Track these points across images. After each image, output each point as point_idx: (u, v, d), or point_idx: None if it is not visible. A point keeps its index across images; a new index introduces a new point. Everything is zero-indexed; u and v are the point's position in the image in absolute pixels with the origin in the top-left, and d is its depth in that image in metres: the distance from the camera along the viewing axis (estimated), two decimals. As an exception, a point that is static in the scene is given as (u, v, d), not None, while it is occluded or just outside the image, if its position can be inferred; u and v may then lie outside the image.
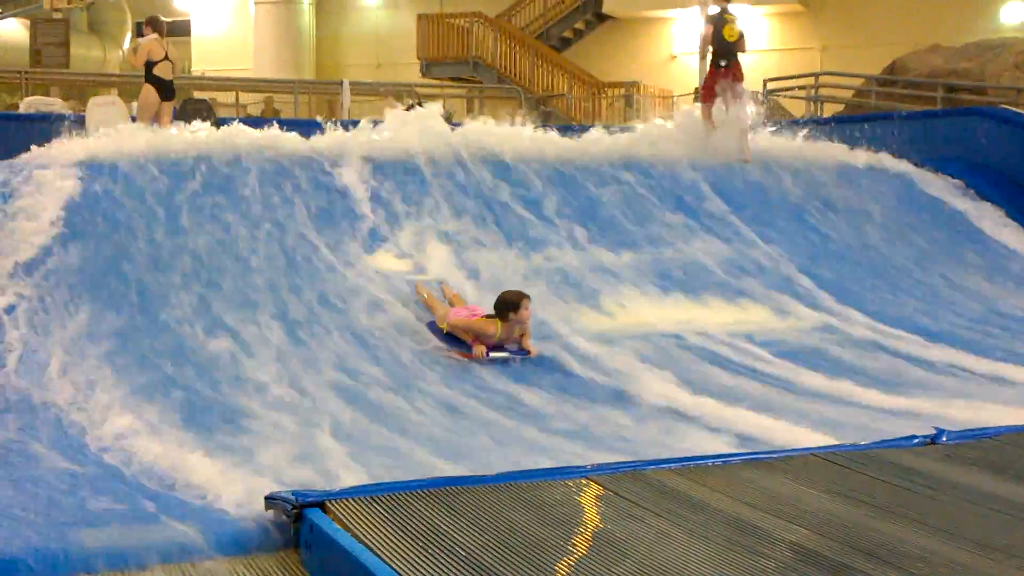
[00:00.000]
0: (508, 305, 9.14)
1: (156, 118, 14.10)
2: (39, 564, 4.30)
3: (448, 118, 13.79)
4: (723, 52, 14.58)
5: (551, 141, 13.35)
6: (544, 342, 9.41)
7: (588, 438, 7.30)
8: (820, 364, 9.53)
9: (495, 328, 9.12)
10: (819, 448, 5.83)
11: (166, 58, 14.23)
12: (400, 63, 31.72)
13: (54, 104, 17.20)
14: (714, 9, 15.47)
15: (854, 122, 18.13)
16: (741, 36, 14.61)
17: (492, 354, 9.09)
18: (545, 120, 21.09)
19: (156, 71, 14.15)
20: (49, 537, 4.70)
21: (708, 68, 15.01)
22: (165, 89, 14.27)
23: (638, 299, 10.79)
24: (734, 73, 14.57)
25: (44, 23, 27.89)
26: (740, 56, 14.60)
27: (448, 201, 11.48)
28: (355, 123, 13.34)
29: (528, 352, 9.21)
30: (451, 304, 9.69)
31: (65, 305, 8.30)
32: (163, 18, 15.70)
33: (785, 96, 23.70)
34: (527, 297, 9.22)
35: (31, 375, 7.37)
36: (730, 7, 14.78)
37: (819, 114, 22.02)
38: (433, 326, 9.49)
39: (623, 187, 12.73)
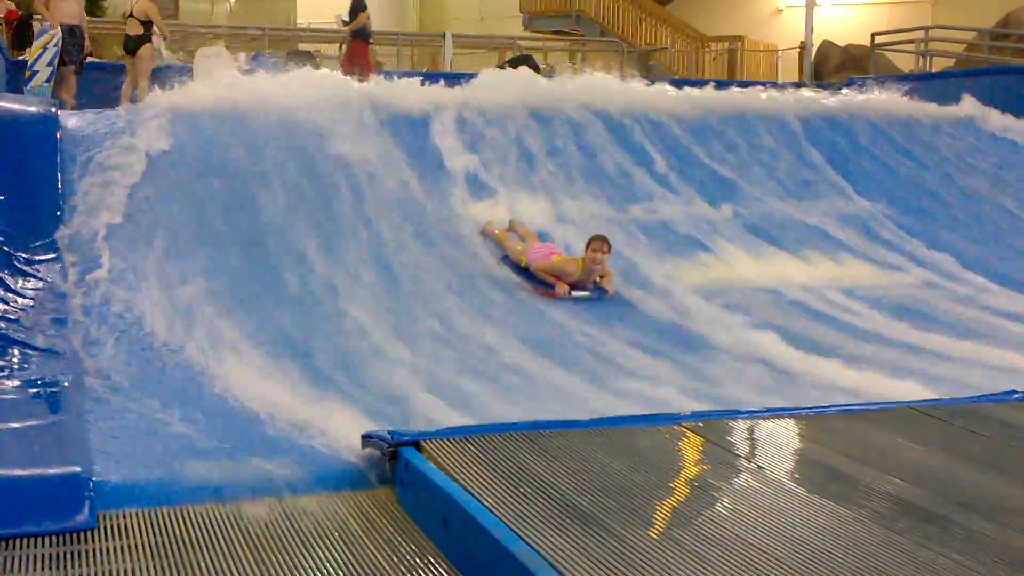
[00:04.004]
0: (586, 244, 9.46)
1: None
2: (143, 493, 4.42)
3: (549, 72, 13.78)
4: (368, 32, 17.91)
5: (648, 93, 13.26)
6: (642, 292, 9.46)
7: (683, 388, 7.31)
8: (919, 319, 9.45)
9: (575, 267, 9.38)
10: (916, 402, 5.77)
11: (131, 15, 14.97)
12: (503, 16, 31.67)
13: (159, 56, 17.50)
14: None
15: (963, 76, 17.73)
16: None
17: (574, 293, 9.35)
18: (647, 74, 20.95)
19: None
20: (154, 468, 4.85)
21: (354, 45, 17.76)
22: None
23: (737, 253, 10.75)
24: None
25: (154, -25, 28.20)
26: None
27: (544, 153, 11.49)
28: (458, 76, 13.37)
29: (606, 292, 9.43)
30: (522, 240, 9.92)
31: (165, 248, 8.48)
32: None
33: (894, 50, 23.23)
34: (599, 239, 9.45)
35: (134, 313, 7.54)
36: None
37: (928, 69, 21.56)
38: (507, 260, 9.75)
39: (722, 140, 12.63)
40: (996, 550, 3.67)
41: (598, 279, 9.49)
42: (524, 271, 9.55)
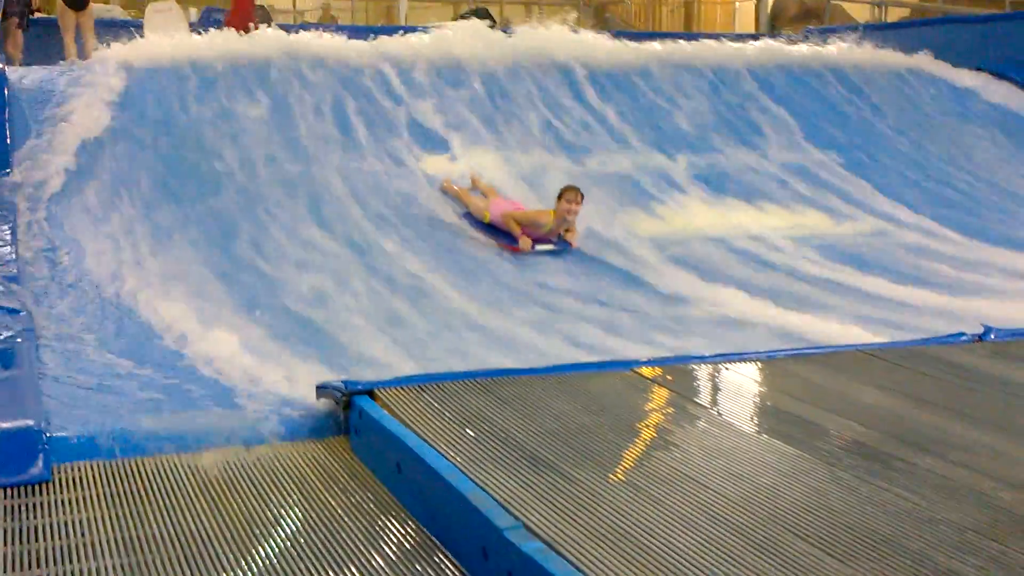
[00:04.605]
0: (559, 195, 9.29)
1: (79, 34, 14.24)
2: (96, 445, 4.42)
3: (505, 25, 13.73)
4: None
5: (602, 45, 13.24)
6: (597, 244, 9.48)
7: (638, 336, 7.37)
8: (873, 267, 9.57)
9: (547, 219, 9.25)
10: (865, 344, 5.85)
11: None
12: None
13: (113, 10, 17.30)
14: None
15: (918, 26, 17.82)
16: None
17: (538, 246, 9.22)
18: (603, 27, 20.87)
19: None
20: (109, 420, 4.84)
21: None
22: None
23: (692, 203, 10.79)
24: None
25: (104, -71, 27.79)
26: None
27: (499, 106, 11.47)
28: (412, 29, 13.31)
29: (570, 244, 9.33)
30: (484, 195, 9.80)
31: (117, 201, 8.47)
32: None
33: (850, 0, 23.26)
34: (572, 189, 9.31)
35: (87, 267, 7.53)
36: None
37: (883, 19, 21.62)
38: (470, 217, 9.64)
39: (679, 92, 12.65)
40: (935, 482, 3.75)
41: (563, 232, 9.41)
42: (488, 227, 9.46)
